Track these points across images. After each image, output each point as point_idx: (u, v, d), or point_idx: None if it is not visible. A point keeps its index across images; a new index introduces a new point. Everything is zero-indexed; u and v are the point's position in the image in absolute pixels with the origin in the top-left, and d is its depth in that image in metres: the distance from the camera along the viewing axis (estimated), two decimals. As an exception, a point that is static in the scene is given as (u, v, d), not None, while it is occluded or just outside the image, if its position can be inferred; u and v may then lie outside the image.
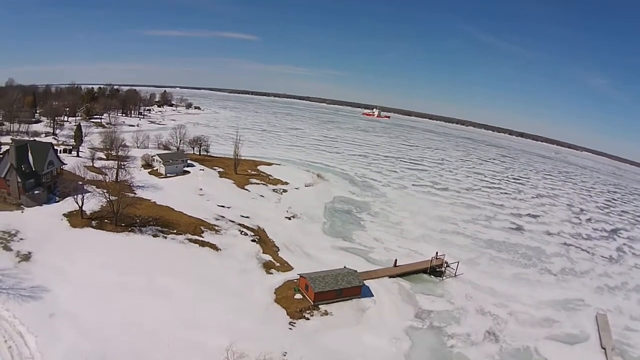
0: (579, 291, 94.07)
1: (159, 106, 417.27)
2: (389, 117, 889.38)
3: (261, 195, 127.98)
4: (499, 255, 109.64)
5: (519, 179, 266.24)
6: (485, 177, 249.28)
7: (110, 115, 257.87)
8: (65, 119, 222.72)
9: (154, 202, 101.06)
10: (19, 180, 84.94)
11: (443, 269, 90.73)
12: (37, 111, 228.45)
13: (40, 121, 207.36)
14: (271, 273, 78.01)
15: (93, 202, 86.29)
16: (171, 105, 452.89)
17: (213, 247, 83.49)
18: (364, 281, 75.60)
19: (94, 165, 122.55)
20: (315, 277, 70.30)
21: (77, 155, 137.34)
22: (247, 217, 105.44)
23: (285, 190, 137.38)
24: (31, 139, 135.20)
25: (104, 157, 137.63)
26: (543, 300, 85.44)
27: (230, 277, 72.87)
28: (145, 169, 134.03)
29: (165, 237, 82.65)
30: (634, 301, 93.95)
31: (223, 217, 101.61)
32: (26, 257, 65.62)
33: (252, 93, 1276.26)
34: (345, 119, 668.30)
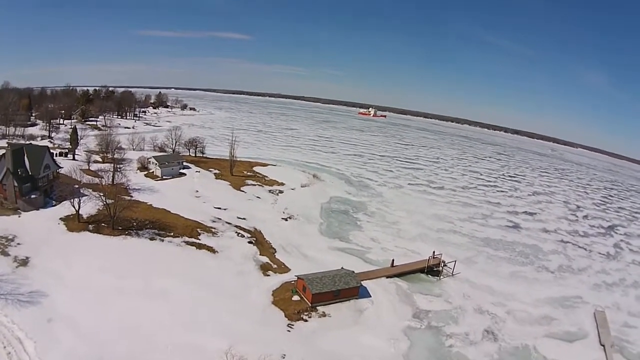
0: (576, 288, 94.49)
1: (154, 108, 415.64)
2: (384, 116, 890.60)
3: (257, 197, 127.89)
4: (496, 253, 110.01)
5: (515, 177, 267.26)
6: (481, 175, 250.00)
7: (106, 117, 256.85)
8: (61, 121, 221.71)
9: (151, 204, 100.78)
10: (16, 184, 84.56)
11: (440, 268, 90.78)
12: (33, 114, 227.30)
13: (36, 124, 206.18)
14: (268, 275, 77.98)
15: (90, 206, 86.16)
16: (166, 106, 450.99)
17: (210, 249, 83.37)
18: (362, 282, 75.74)
19: (90, 168, 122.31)
20: (312, 279, 70.31)
21: (73, 159, 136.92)
22: (244, 218, 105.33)
23: (281, 191, 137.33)
24: (27, 142, 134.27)
25: (100, 160, 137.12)
26: (541, 298, 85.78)
27: (228, 279, 72.80)
28: (141, 171, 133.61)
29: (162, 240, 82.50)
30: (632, 297, 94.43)
31: (219, 219, 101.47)
32: (24, 262, 65.38)
33: (247, 93, 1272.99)
34: (341, 118, 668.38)
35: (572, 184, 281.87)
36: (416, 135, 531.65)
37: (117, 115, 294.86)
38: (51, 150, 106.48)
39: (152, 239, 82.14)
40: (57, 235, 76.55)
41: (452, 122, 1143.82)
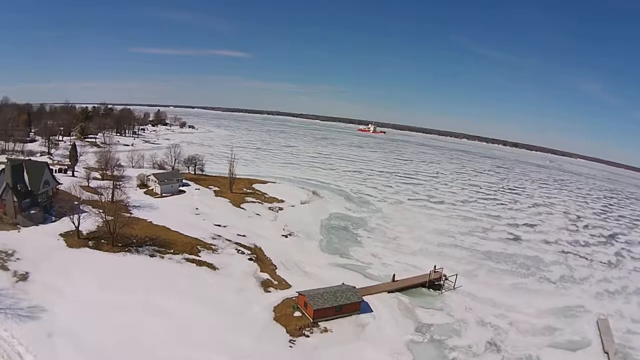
0: (579, 298, 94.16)
1: (153, 125, 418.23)
2: (384, 132, 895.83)
3: (257, 214, 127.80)
4: (498, 266, 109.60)
5: (514, 189, 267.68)
6: (481, 188, 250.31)
7: (105, 134, 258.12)
8: (60, 138, 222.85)
9: (150, 221, 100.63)
10: (15, 199, 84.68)
11: (442, 282, 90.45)
12: (32, 130, 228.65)
13: (35, 140, 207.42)
14: (269, 291, 77.51)
15: (89, 222, 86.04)
16: (165, 124, 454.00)
17: (210, 266, 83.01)
18: (363, 297, 75.26)
19: (90, 185, 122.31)
20: (314, 295, 69.90)
21: (73, 175, 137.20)
22: (244, 235, 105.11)
23: (281, 208, 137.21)
24: (26, 158, 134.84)
25: (99, 176, 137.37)
26: (543, 308, 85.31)
27: (229, 296, 72.32)
28: (140, 188, 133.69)
29: (162, 257, 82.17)
30: (635, 304, 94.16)
31: (219, 236, 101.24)
32: (23, 277, 65.14)
33: (245, 111, 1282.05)
34: (340, 135, 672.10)
35: (571, 194, 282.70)
36: (415, 150, 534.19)
37: (116, 133, 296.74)
38: (50, 167, 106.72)
39: (152, 255, 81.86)
40: (56, 251, 76.27)
41: (451, 136, 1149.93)
